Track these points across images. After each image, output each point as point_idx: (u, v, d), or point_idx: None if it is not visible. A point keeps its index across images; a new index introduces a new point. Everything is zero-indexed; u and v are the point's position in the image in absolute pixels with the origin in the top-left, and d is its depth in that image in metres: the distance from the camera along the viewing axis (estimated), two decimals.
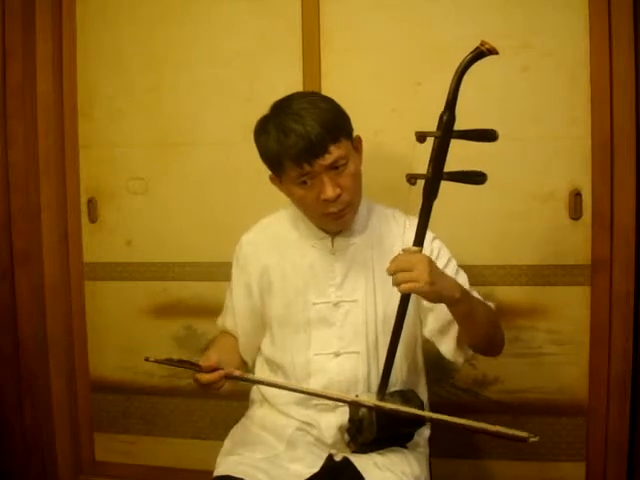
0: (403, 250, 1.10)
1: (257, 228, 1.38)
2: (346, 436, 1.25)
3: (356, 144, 1.25)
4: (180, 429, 1.93)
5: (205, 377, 1.17)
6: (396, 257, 1.09)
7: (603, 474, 1.66)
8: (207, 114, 1.81)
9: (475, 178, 1.05)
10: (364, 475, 1.16)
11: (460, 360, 1.26)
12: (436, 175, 1.05)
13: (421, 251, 1.09)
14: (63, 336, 1.95)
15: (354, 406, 1.20)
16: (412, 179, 1.04)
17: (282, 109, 1.19)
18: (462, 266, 1.32)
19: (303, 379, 1.28)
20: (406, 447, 1.26)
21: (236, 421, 1.40)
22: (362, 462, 1.19)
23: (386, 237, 1.31)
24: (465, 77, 1.01)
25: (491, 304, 1.27)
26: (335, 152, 1.16)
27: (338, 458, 1.23)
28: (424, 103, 1.65)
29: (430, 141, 1.03)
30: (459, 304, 1.12)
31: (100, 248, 1.93)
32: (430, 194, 1.06)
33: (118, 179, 1.90)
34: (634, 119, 1.57)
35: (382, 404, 1.17)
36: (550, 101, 1.62)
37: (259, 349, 1.39)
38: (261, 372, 1.37)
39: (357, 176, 1.23)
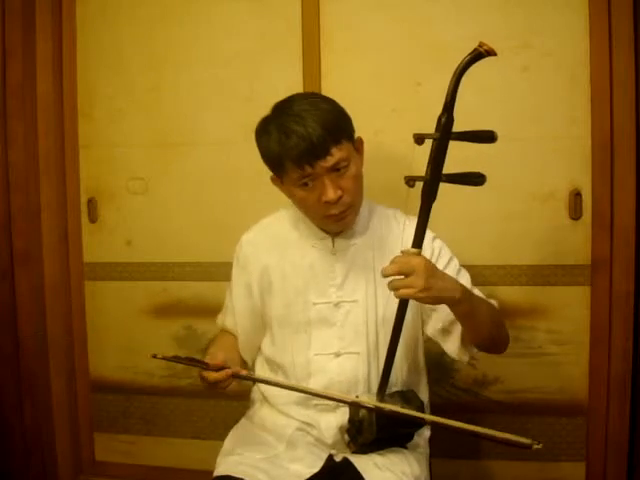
0: (402, 252, 1.10)
1: (257, 228, 1.38)
2: (346, 436, 1.25)
3: (357, 145, 1.25)
4: (180, 429, 1.93)
5: (213, 375, 1.17)
6: (394, 259, 1.08)
7: (603, 474, 1.66)
8: (207, 114, 1.81)
9: (474, 179, 1.05)
10: (364, 475, 1.15)
11: (465, 359, 1.25)
12: (434, 177, 1.04)
13: (420, 253, 1.09)
14: (63, 336, 1.95)
15: (354, 407, 1.20)
16: (410, 181, 1.04)
17: (283, 110, 1.19)
18: (462, 266, 1.31)
19: (303, 379, 1.28)
20: (406, 447, 1.26)
21: (236, 421, 1.40)
22: (362, 462, 1.19)
23: (387, 238, 1.31)
24: (465, 77, 1.00)
25: (494, 302, 1.27)
26: (337, 154, 1.16)
27: (338, 458, 1.23)
28: (424, 103, 1.65)
29: (430, 141, 1.03)
30: (460, 304, 1.12)
31: (100, 248, 1.93)
32: (429, 196, 1.06)
33: (118, 179, 1.90)
34: (634, 119, 1.57)
35: (382, 405, 1.17)
36: (550, 101, 1.62)
37: (259, 349, 1.39)
38: (261, 372, 1.37)
39: (358, 178, 1.23)
